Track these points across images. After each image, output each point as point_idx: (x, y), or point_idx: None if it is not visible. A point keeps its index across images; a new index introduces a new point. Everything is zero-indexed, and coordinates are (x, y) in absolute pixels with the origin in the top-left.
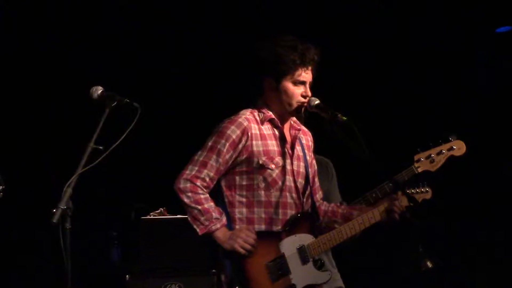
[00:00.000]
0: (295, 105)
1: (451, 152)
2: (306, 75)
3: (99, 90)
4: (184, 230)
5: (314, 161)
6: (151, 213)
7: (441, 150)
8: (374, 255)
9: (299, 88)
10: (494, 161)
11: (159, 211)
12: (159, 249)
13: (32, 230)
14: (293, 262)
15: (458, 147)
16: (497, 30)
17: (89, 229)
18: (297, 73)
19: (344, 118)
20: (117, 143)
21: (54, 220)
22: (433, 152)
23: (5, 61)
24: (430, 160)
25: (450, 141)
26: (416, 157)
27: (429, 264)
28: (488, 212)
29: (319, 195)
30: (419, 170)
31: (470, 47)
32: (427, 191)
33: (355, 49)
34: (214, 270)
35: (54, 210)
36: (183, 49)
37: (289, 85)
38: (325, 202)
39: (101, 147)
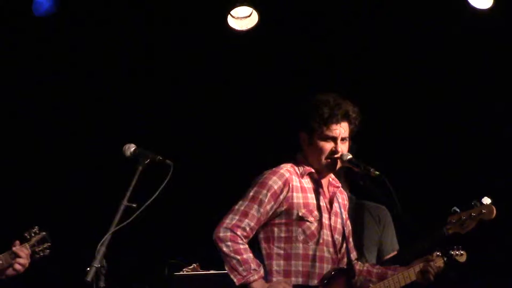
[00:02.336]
0: (324, 161)
1: (481, 216)
2: (337, 130)
3: (131, 147)
4: (218, 285)
5: (348, 222)
6: (184, 269)
7: (471, 214)
8: None
9: (330, 143)
10: None
11: (192, 266)
12: None
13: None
14: None
15: (489, 211)
16: None
17: (123, 286)
18: (327, 128)
19: (377, 172)
20: (150, 201)
21: (88, 279)
22: (464, 216)
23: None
24: (460, 223)
25: (482, 204)
26: (449, 219)
27: (454, 275)
28: None
29: (353, 254)
30: (449, 231)
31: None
32: (461, 254)
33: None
34: None
35: (88, 269)
36: (224, 101)
37: (319, 141)
38: (359, 262)
39: (134, 205)
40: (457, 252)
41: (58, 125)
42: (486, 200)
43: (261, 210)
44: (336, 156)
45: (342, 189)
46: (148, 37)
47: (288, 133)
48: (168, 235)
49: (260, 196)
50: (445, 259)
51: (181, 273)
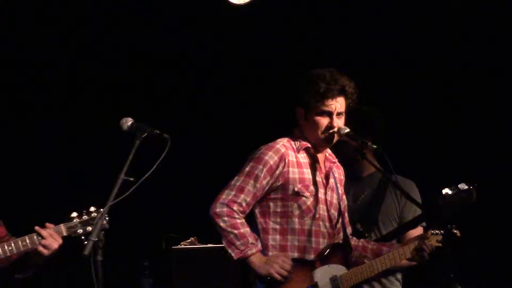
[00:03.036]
0: (320, 135)
1: (461, 201)
2: (332, 105)
3: (129, 121)
4: (215, 259)
5: (344, 197)
6: (182, 243)
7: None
8: (405, 281)
9: (326, 118)
10: None
11: (189, 240)
12: (190, 278)
13: (64, 263)
14: None
15: (468, 196)
16: None
17: (120, 259)
18: (323, 103)
19: (374, 146)
20: (147, 174)
21: (86, 252)
22: (448, 200)
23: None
24: (445, 207)
25: (460, 190)
26: (438, 201)
27: None
28: None
29: (349, 229)
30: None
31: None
32: (456, 231)
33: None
34: None
35: (86, 242)
36: (221, 78)
37: (315, 116)
38: (354, 238)
39: (132, 179)
40: (453, 231)
41: (58, 101)
42: (463, 186)
43: (257, 185)
44: (332, 130)
45: (339, 164)
46: (144, 10)
47: (285, 107)
48: (165, 208)
49: (256, 171)
50: (441, 232)
51: (179, 246)
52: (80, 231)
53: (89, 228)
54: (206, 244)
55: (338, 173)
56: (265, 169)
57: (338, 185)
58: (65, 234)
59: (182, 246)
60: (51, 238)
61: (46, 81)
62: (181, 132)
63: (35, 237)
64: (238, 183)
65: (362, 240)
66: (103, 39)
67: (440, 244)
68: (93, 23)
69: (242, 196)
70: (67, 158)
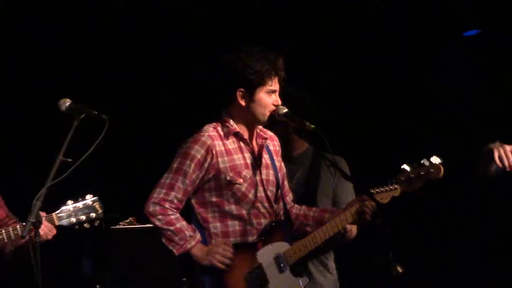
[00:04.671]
0: (268, 114)
1: (428, 176)
2: (276, 84)
3: (67, 102)
4: (155, 239)
5: (282, 164)
6: (121, 223)
7: (420, 173)
8: (343, 261)
9: (271, 97)
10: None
11: (128, 220)
12: (130, 258)
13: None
14: (271, 272)
15: (435, 171)
16: (464, 33)
17: (60, 240)
18: (270, 82)
19: (312, 126)
20: (85, 156)
21: (24, 234)
22: (412, 174)
23: None
24: (408, 182)
25: (431, 164)
26: (397, 177)
27: (399, 269)
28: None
29: (289, 197)
30: (396, 190)
31: (437, 51)
32: (395, 188)
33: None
34: (184, 279)
35: (24, 224)
36: (153, 62)
37: (262, 95)
38: (296, 205)
39: (70, 160)
40: (390, 187)
41: None
42: (436, 160)
43: (187, 181)
44: (272, 109)
45: (272, 135)
46: None
47: (216, 91)
48: (103, 189)
49: (184, 167)
50: (380, 190)
51: (118, 226)
52: (73, 220)
53: (83, 217)
54: (145, 224)
55: (273, 145)
56: (193, 164)
57: (274, 157)
58: (57, 223)
59: (121, 226)
60: (44, 231)
61: None
62: (120, 112)
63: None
64: (167, 181)
65: (303, 207)
66: (41, 20)
67: (380, 202)
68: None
69: (173, 193)
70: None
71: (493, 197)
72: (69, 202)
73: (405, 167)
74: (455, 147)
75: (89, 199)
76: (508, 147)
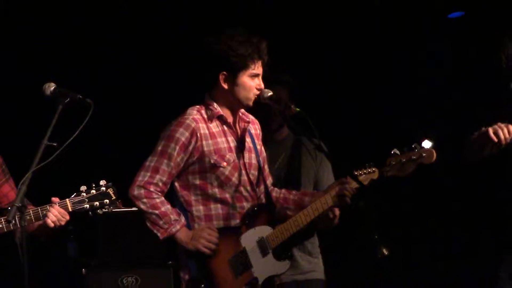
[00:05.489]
0: (252, 97)
1: (420, 160)
2: (260, 67)
3: (51, 86)
4: (140, 222)
5: (262, 148)
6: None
7: (411, 157)
8: (329, 244)
9: (254, 81)
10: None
11: (114, 205)
12: (115, 242)
13: None
14: (254, 256)
15: (428, 155)
16: (449, 15)
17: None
18: (253, 66)
19: (297, 109)
20: (70, 139)
21: (10, 218)
22: (404, 158)
23: None
24: (399, 166)
25: (422, 148)
26: (388, 161)
27: (384, 251)
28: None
29: (269, 181)
30: (388, 174)
31: (424, 34)
32: (373, 171)
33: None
34: (170, 262)
35: (9, 208)
36: (135, 46)
37: (246, 79)
38: (276, 189)
39: (54, 144)
40: (369, 170)
41: None
42: (427, 144)
43: (171, 164)
44: (256, 92)
45: (253, 119)
46: None
47: (198, 74)
48: (89, 173)
49: (169, 150)
50: (358, 173)
51: (104, 210)
52: (86, 206)
53: (97, 204)
54: (131, 208)
55: (254, 128)
56: (177, 147)
57: (256, 141)
58: (70, 210)
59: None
60: (57, 217)
61: None
62: (103, 96)
63: (39, 212)
64: (152, 164)
65: (283, 191)
66: (25, 4)
67: (359, 185)
68: None
69: (158, 176)
70: None
71: (480, 179)
72: (83, 188)
73: (396, 151)
74: (444, 131)
75: (103, 185)
76: (501, 123)
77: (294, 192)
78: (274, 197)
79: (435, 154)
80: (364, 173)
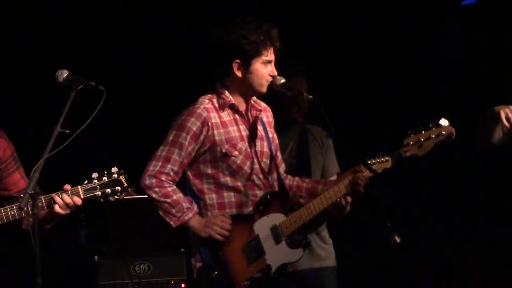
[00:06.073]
0: (265, 84)
1: (440, 138)
2: (271, 54)
3: (64, 73)
4: (152, 210)
5: (275, 136)
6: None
7: (430, 135)
8: (342, 231)
9: (267, 68)
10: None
11: (126, 192)
12: (127, 229)
13: None
14: (267, 243)
15: (448, 133)
16: (462, 3)
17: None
18: (265, 53)
19: (310, 96)
20: (83, 127)
21: (22, 205)
22: (422, 137)
23: None
24: (418, 144)
25: (440, 126)
26: (405, 141)
27: (397, 238)
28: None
29: (282, 168)
30: (407, 154)
31: (436, 21)
32: (387, 160)
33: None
34: (182, 249)
35: (22, 195)
36: (149, 35)
37: (258, 66)
38: (289, 176)
39: (67, 131)
40: (382, 159)
41: None
42: (444, 122)
43: (183, 153)
44: (269, 79)
45: (265, 106)
46: None
47: (211, 63)
48: (101, 160)
49: (180, 140)
50: (372, 162)
51: (116, 198)
52: (98, 193)
53: (108, 191)
54: (143, 195)
55: (266, 116)
56: (189, 136)
57: (268, 128)
58: (83, 197)
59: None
60: (65, 203)
61: None
62: (116, 85)
63: (51, 199)
64: (163, 153)
65: (296, 178)
66: None
67: (372, 174)
68: None
69: (169, 166)
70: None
71: (493, 166)
72: (95, 175)
73: (413, 131)
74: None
75: (115, 172)
76: None
77: (307, 180)
78: (287, 185)
79: (454, 132)
80: (378, 162)
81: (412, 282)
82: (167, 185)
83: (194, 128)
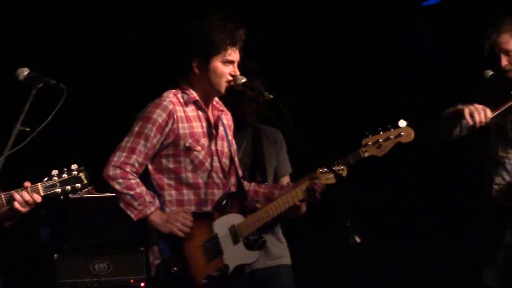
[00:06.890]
0: (224, 84)
1: (399, 139)
2: (234, 54)
3: (25, 71)
4: (113, 208)
5: (233, 141)
6: (79, 192)
7: (389, 136)
8: (302, 231)
9: (228, 67)
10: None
11: (86, 189)
12: (88, 227)
13: None
14: (225, 243)
15: (406, 134)
16: (423, 3)
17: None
18: (227, 52)
19: (271, 96)
20: (43, 125)
21: None
22: (381, 138)
23: None
24: (377, 145)
25: (399, 127)
26: (363, 142)
27: (357, 239)
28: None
29: (240, 172)
30: (366, 154)
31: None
32: (343, 169)
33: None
34: (142, 248)
35: None
36: (112, 31)
37: (218, 65)
38: (245, 182)
39: (27, 129)
40: (338, 168)
41: None
42: (402, 123)
43: (148, 144)
44: (231, 79)
45: (226, 110)
46: None
47: (176, 59)
48: (60, 159)
49: (146, 131)
50: (327, 171)
51: (76, 195)
52: (58, 190)
53: (68, 188)
54: (103, 193)
55: (227, 119)
56: (154, 128)
57: (228, 131)
58: (42, 194)
59: (80, 195)
60: (25, 201)
61: None
62: (77, 81)
63: (11, 197)
64: (129, 144)
65: (253, 184)
66: None
67: (330, 182)
68: None
69: (134, 157)
70: None
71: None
72: (54, 172)
73: (371, 132)
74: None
75: (75, 169)
76: (478, 105)
77: (263, 185)
78: (245, 190)
79: (413, 133)
80: (336, 170)
81: (372, 281)
82: (131, 177)
83: (160, 120)
